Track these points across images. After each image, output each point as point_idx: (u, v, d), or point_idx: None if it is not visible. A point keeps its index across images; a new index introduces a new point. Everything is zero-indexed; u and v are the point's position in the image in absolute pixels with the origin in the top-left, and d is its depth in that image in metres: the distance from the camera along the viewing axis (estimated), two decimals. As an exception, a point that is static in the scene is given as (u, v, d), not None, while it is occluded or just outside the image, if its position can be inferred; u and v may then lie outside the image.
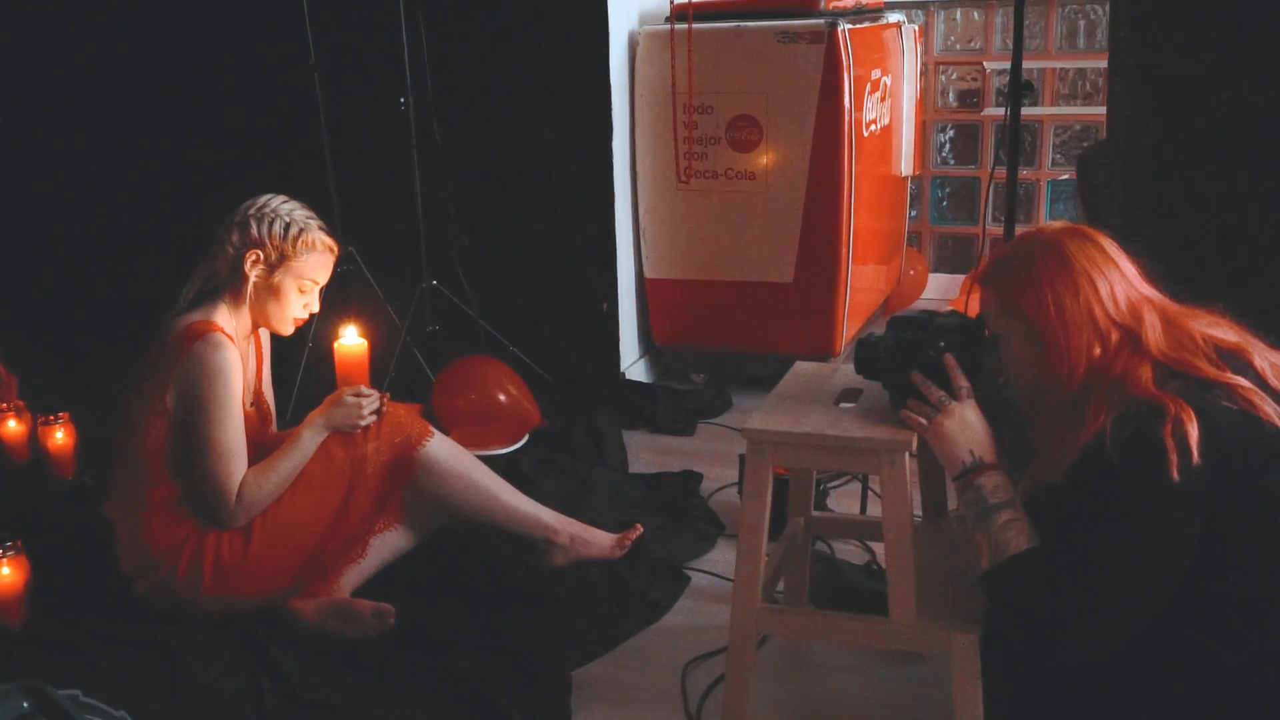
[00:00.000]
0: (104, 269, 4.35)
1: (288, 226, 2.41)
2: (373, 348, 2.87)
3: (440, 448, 2.56)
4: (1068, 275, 1.64)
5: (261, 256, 2.39)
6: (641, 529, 2.72)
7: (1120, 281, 1.65)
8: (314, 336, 3.49)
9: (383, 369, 3.49)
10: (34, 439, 3.25)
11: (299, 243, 2.41)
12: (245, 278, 2.40)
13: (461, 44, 3.74)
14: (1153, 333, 1.62)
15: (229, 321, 2.41)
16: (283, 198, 2.46)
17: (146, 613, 2.41)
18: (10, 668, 2.16)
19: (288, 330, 2.50)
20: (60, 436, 3.18)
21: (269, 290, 2.42)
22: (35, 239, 4.47)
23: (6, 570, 2.40)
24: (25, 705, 1.75)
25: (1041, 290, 1.65)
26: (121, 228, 4.33)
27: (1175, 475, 1.48)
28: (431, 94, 3.66)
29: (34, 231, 4.48)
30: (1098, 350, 1.62)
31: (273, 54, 3.83)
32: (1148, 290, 1.68)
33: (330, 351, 2.87)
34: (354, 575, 2.52)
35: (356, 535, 2.52)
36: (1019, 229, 3.13)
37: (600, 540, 2.67)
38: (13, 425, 3.27)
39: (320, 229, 2.46)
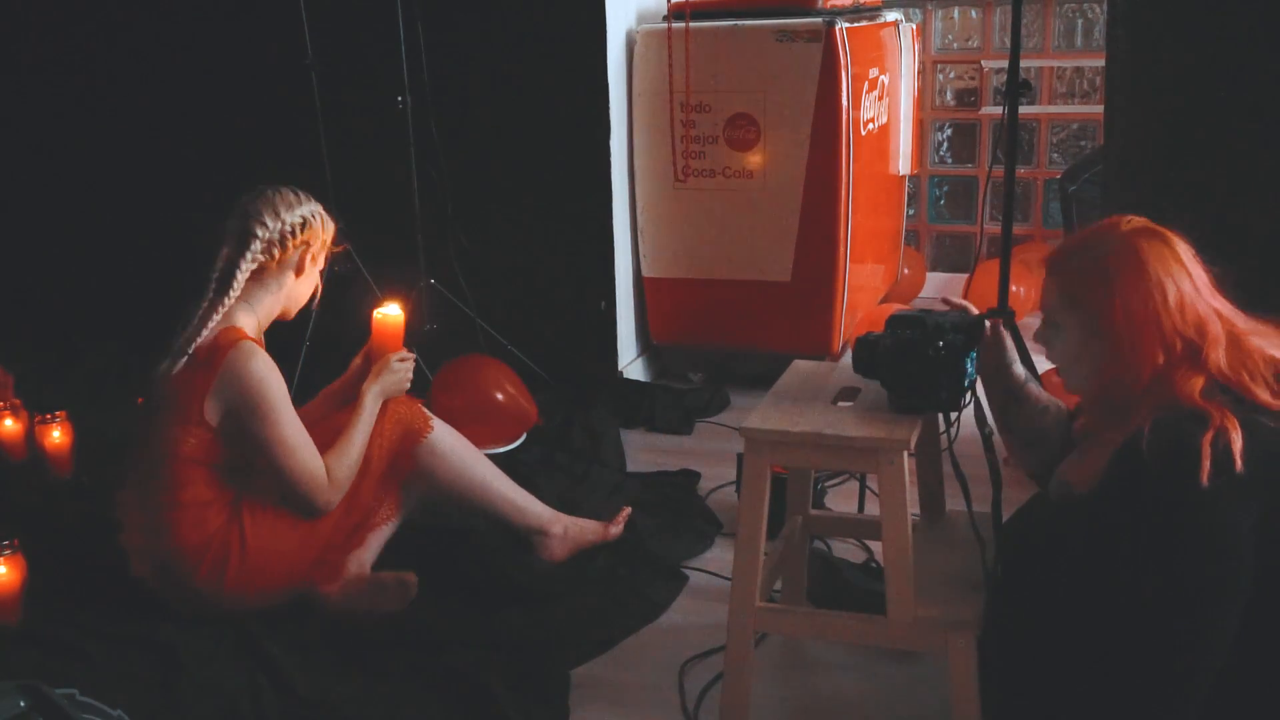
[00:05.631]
0: (100, 267, 4.34)
1: (326, 221, 2.50)
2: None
3: (442, 440, 2.60)
4: (1140, 279, 1.60)
5: (314, 252, 2.48)
6: (629, 510, 2.78)
7: (1190, 290, 1.61)
8: (311, 335, 3.49)
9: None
10: (31, 437, 3.25)
11: (332, 234, 2.53)
12: (299, 272, 2.47)
13: (459, 43, 3.73)
14: (1215, 349, 1.59)
15: (250, 322, 2.43)
16: (305, 193, 2.49)
17: (144, 611, 2.41)
18: (7, 667, 2.16)
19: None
20: (57, 435, 3.18)
21: (309, 277, 2.51)
22: (32, 238, 4.46)
23: (3, 569, 2.39)
24: (22, 704, 1.74)
25: (1111, 290, 1.61)
26: (118, 226, 4.32)
27: (1205, 482, 1.44)
28: (429, 93, 3.65)
29: (30, 230, 4.47)
30: (1161, 358, 1.59)
31: (270, 52, 3.83)
32: (1217, 302, 1.64)
33: (328, 348, 2.88)
34: (354, 566, 2.54)
35: (357, 527, 2.55)
36: (1016, 228, 3.14)
37: (593, 527, 2.73)
38: (9, 424, 3.27)
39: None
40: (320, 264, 2.53)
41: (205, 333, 2.35)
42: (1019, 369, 1.94)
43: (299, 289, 2.50)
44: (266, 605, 2.44)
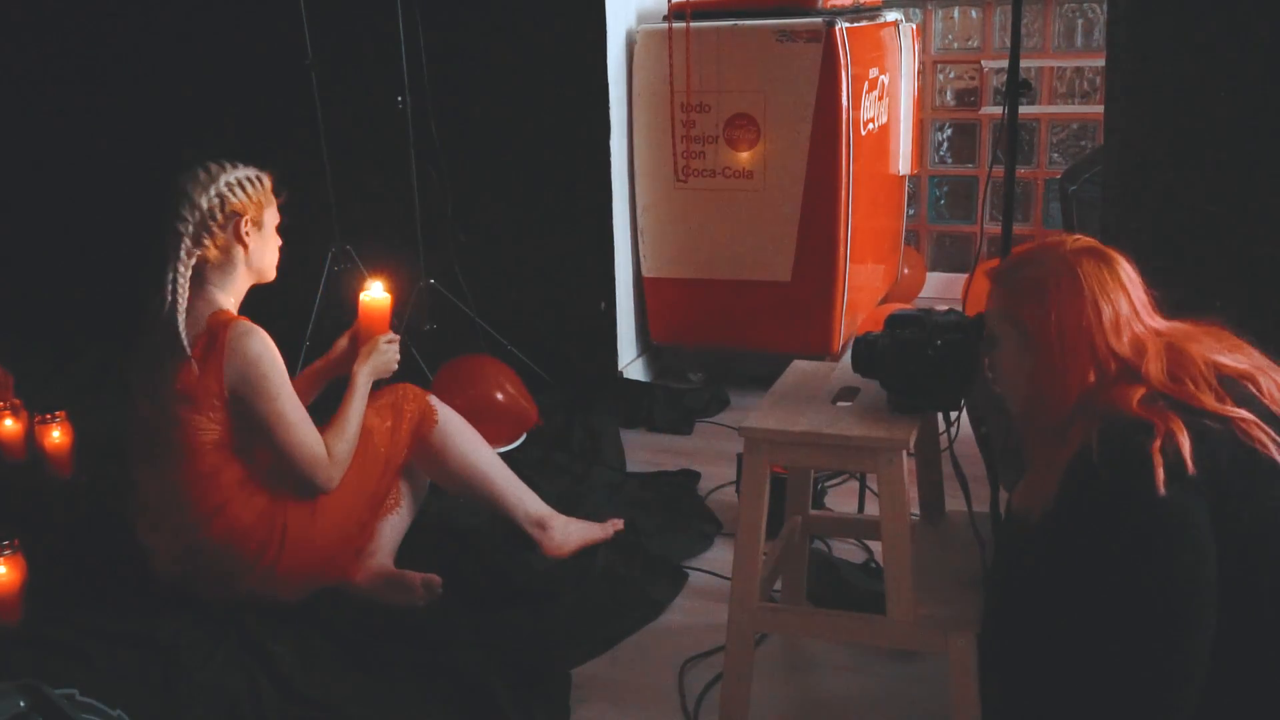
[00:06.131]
0: (101, 267, 4.34)
1: (253, 181, 2.43)
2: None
3: (448, 427, 2.67)
4: (1075, 298, 1.60)
5: (250, 218, 2.41)
6: (621, 524, 2.82)
7: (1128, 311, 1.61)
8: (311, 336, 3.49)
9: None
10: (31, 437, 3.25)
11: (268, 188, 2.47)
12: (244, 245, 2.41)
13: (459, 42, 3.74)
14: (1154, 365, 1.58)
15: (228, 303, 2.43)
16: (216, 165, 2.43)
17: (144, 611, 2.41)
18: (7, 667, 2.16)
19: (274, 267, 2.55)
20: (57, 435, 3.18)
21: (262, 240, 2.45)
22: (31, 237, 4.46)
23: (3, 569, 2.40)
24: (22, 704, 1.74)
25: (1046, 308, 1.61)
26: (118, 226, 4.31)
27: (1162, 490, 1.44)
28: (429, 93, 3.66)
29: (30, 230, 4.47)
30: (1092, 378, 1.59)
31: (270, 52, 3.83)
32: (1155, 322, 1.64)
33: (328, 347, 2.87)
34: (382, 557, 2.59)
35: (370, 521, 2.59)
36: (1016, 228, 3.14)
37: (590, 524, 2.78)
38: (9, 424, 3.27)
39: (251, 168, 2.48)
40: (270, 223, 2.46)
41: (188, 330, 2.34)
42: None
43: (257, 259, 2.45)
44: (298, 594, 2.46)
